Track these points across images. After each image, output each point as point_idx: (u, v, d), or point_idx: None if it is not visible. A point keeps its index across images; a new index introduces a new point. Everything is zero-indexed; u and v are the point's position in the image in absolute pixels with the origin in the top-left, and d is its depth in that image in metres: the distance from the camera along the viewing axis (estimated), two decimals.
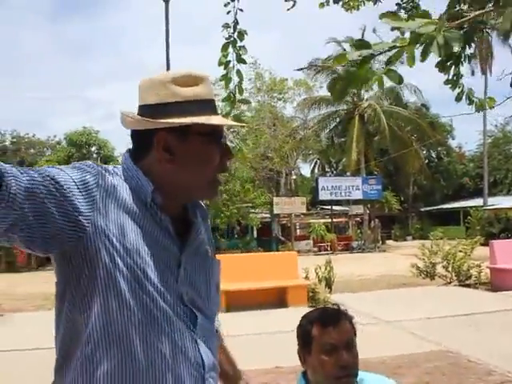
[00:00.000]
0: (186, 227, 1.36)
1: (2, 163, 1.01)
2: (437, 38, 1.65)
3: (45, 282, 15.19)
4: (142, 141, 1.31)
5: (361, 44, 1.77)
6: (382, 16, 1.77)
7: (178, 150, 1.28)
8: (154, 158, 1.29)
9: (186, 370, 1.26)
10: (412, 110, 37.10)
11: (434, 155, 47.70)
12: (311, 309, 2.01)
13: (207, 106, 1.31)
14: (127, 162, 1.31)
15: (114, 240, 1.18)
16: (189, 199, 1.40)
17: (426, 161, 43.49)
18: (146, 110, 1.29)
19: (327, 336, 1.76)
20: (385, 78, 1.85)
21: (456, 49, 1.69)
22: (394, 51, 1.77)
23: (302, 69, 28.18)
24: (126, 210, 1.23)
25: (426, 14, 1.81)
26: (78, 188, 1.14)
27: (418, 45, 1.69)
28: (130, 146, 1.37)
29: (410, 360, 5.65)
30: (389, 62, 1.77)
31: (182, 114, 1.25)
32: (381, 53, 1.78)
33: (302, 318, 1.90)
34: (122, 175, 1.28)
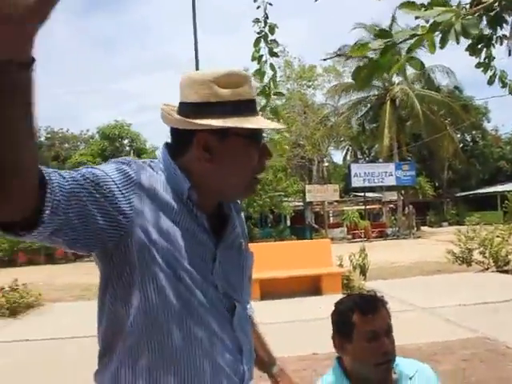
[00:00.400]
0: (221, 221, 1.38)
1: (46, 169, 1.03)
2: (454, 26, 1.67)
3: (83, 273, 15.57)
4: (181, 139, 1.32)
5: (382, 33, 1.81)
6: (401, 6, 1.80)
7: (218, 151, 1.28)
8: (193, 156, 1.30)
9: (223, 358, 1.30)
10: (445, 93, 36.36)
11: (468, 139, 46.75)
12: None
13: (248, 107, 1.30)
14: (165, 157, 1.32)
15: (153, 236, 1.21)
16: (225, 199, 1.42)
17: (461, 145, 42.64)
18: (186, 108, 1.29)
19: (369, 323, 1.78)
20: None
21: (474, 32, 1.70)
22: (415, 39, 1.80)
23: (328, 58, 27.91)
24: (163, 206, 1.25)
25: (444, 2, 1.81)
26: (118, 187, 1.17)
27: (437, 32, 1.70)
28: (167, 140, 1.38)
29: (446, 347, 5.62)
30: (410, 50, 1.80)
31: (223, 114, 1.25)
32: (402, 41, 1.80)
33: (338, 304, 1.92)
34: (159, 170, 1.29)
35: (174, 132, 1.34)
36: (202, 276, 1.28)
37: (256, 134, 1.32)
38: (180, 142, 1.33)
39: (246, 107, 1.29)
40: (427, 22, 1.79)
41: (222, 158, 1.29)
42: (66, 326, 8.25)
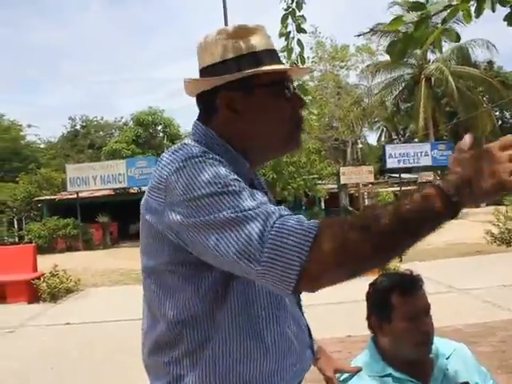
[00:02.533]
0: None
1: None
2: None
3: (121, 258, 15.84)
4: (206, 105, 1.25)
5: (416, 5, 1.76)
6: None
7: (245, 107, 1.20)
8: (222, 119, 1.22)
9: (304, 346, 1.30)
10: (482, 69, 35.39)
11: (508, 115, 45.51)
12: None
13: (266, 56, 1.22)
14: (213, 135, 1.22)
15: None
16: (268, 156, 1.36)
17: (500, 122, 41.56)
18: (204, 73, 1.24)
19: (409, 303, 1.77)
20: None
21: None
22: (449, 10, 1.75)
23: (361, 34, 27.35)
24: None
25: None
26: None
27: (472, 1, 1.64)
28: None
29: (486, 328, 5.52)
30: (444, 21, 1.74)
31: (242, 67, 1.18)
32: (436, 13, 1.74)
33: (375, 285, 1.89)
34: (219, 153, 1.16)
35: (199, 100, 1.27)
36: None
37: (283, 82, 1.23)
38: (206, 109, 1.26)
39: (264, 56, 1.21)
40: None
41: (251, 114, 1.21)
42: (104, 309, 8.44)
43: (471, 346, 2.03)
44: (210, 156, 1.11)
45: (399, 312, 1.76)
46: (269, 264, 0.96)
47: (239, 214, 1.00)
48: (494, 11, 1.64)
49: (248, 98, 1.20)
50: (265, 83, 1.20)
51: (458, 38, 1.79)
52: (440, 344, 1.88)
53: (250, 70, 1.17)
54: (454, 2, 1.70)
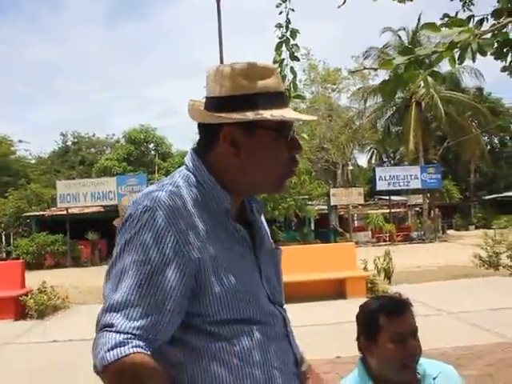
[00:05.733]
0: (246, 225, 1.33)
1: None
2: (471, 45, 1.81)
3: None
4: (208, 134, 1.29)
5: (405, 50, 1.95)
6: (423, 27, 1.96)
7: (245, 145, 1.24)
8: (220, 152, 1.26)
9: (290, 370, 1.32)
10: (471, 95, 35.91)
11: (496, 141, 46.07)
12: None
13: (276, 99, 1.24)
14: (198, 166, 1.28)
15: (209, 267, 1.19)
16: (252, 194, 1.39)
17: (488, 147, 42.06)
18: (212, 102, 1.26)
19: (396, 325, 1.80)
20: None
21: (490, 51, 1.91)
22: (436, 55, 1.93)
23: (354, 72, 27.84)
24: (202, 231, 1.20)
25: (462, 22, 1.97)
26: (167, 257, 1.15)
27: (456, 49, 1.83)
28: (192, 145, 1.38)
29: (473, 352, 5.54)
30: (430, 66, 1.94)
31: (250, 107, 1.21)
32: (423, 57, 1.91)
33: (364, 306, 1.93)
34: (189, 184, 1.25)
35: (201, 128, 1.30)
36: (258, 291, 1.29)
37: (284, 126, 1.26)
38: (207, 139, 1.29)
39: (274, 99, 1.24)
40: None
41: (249, 153, 1.24)
42: (92, 327, 8.35)
43: (458, 369, 2.06)
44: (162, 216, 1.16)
45: (386, 333, 1.80)
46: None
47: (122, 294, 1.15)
48: (474, 61, 1.85)
49: (249, 137, 1.24)
50: (267, 125, 1.23)
51: (443, 80, 2.06)
52: (427, 365, 1.91)
53: (260, 116, 1.20)
54: (440, 49, 1.87)
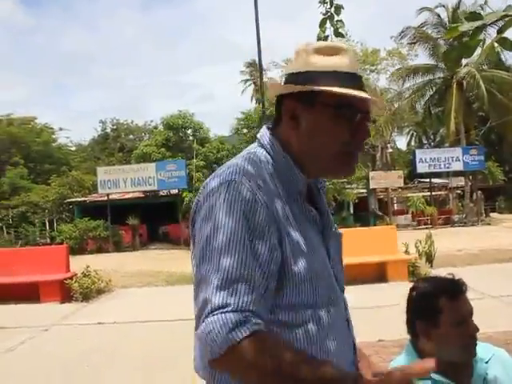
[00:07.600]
0: (313, 206, 1.33)
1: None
2: None
3: (150, 260, 16.00)
4: (276, 110, 1.32)
5: (473, 16, 1.82)
6: None
7: (303, 118, 1.25)
8: (283, 126, 1.29)
9: (346, 363, 1.31)
10: None
11: None
12: (412, 284, 1.98)
13: (345, 79, 1.23)
14: (273, 143, 1.29)
15: (287, 245, 1.19)
16: (323, 175, 1.39)
17: None
18: (287, 79, 1.29)
19: (458, 307, 1.78)
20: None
21: None
22: (506, 20, 1.79)
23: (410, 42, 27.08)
24: (282, 209, 1.20)
25: None
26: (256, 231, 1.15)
27: None
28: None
29: None
30: (500, 31, 1.79)
31: (314, 83, 1.22)
32: (492, 22, 1.78)
33: (418, 289, 1.89)
34: (267, 161, 1.26)
35: (276, 104, 1.32)
36: (327, 270, 1.29)
37: (347, 105, 1.23)
38: (276, 115, 1.32)
39: (342, 78, 1.23)
40: None
41: (307, 127, 1.24)
42: (135, 310, 8.54)
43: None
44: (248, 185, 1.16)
45: (448, 316, 1.76)
46: (197, 337, 1.12)
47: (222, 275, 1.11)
48: None
49: (308, 110, 1.24)
50: (327, 102, 1.22)
51: None
52: (479, 348, 1.86)
53: (318, 87, 1.20)
54: (511, 12, 1.74)
